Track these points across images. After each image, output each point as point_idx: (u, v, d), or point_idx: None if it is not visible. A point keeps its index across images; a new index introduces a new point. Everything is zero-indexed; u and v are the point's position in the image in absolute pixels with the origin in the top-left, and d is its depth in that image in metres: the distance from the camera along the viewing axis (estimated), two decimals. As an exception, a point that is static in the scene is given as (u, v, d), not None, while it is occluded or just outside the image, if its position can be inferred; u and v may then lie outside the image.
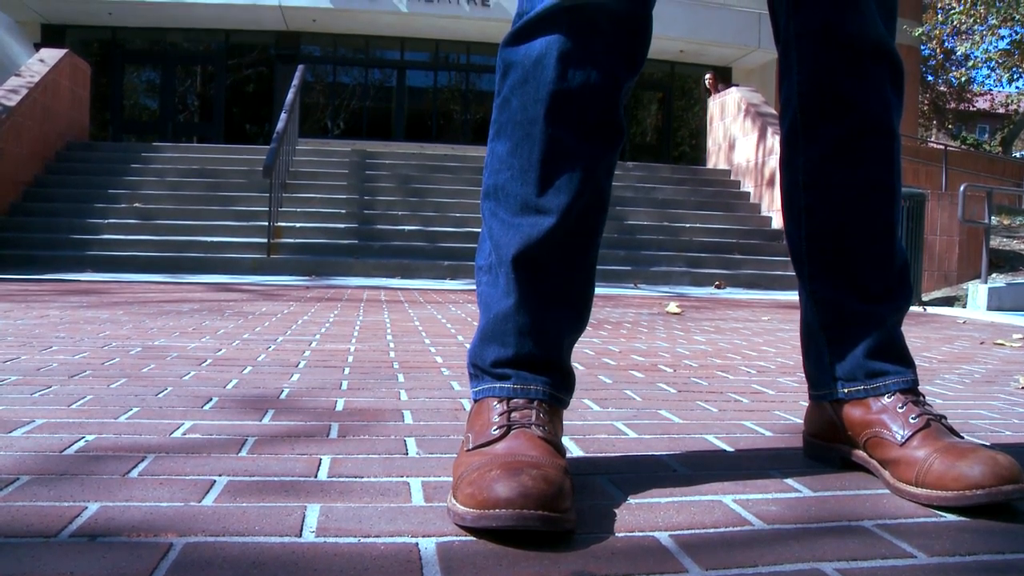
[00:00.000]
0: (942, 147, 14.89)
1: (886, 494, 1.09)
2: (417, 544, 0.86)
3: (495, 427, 0.99)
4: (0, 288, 5.17)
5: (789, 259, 8.77)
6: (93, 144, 10.83)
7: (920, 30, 16.46)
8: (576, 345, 2.87)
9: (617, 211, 9.98)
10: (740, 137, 10.91)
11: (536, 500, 0.84)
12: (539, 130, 1.05)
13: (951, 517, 1.00)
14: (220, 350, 2.45)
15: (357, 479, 1.11)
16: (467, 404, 1.69)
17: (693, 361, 2.55)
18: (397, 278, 7.98)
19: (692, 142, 18.51)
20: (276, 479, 1.10)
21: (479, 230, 8.23)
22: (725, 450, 1.34)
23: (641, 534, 0.90)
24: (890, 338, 1.19)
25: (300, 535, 0.88)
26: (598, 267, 8.53)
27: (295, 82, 10.51)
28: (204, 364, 2.15)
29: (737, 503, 1.03)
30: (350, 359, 2.34)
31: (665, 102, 18.53)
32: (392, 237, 8.98)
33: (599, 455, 1.28)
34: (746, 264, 8.96)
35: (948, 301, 7.92)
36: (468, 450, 0.99)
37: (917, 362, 2.73)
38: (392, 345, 2.72)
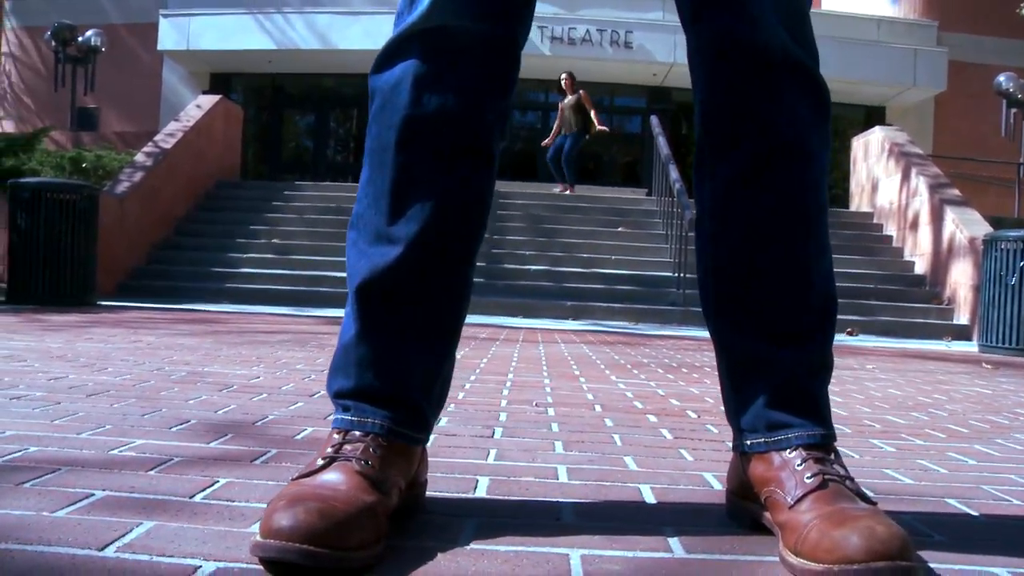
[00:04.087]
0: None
1: (767, 562, 0.99)
2: (199, 567, 0.86)
3: (320, 458, 0.98)
4: (129, 315, 5.59)
5: (931, 306, 8.25)
6: (240, 183, 11.59)
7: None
8: (621, 387, 2.79)
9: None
10: (883, 178, 10.37)
11: (303, 534, 0.82)
12: (391, 157, 1.04)
13: (817, 592, 0.89)
14: (258, 377, 2.55)
15: (228, 503, 1.11)
16: (433, 438, 1.67)
17: (731, 409, 2.42)
18: (519, 317, 8.03)
19: (845, 185, 17.76)
20: (151, 497, 1.12)
21: (607, 271, 8.18)
22: (644, 502, 1.26)
23: (431, 579, 0.86)
24: (798, 387, 1.08)
25: (102, 550, 0.89)
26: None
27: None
28: (227, 390, 2.24)
29: (582, 559, 0.95)
30: (373, 391, 2.37)
31: (814, 143, 17.87)
32: (518, 276, 9.08)
33: (497, 497, 1.23)
34: (883, 311, 8.45)
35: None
36: (291, 479, 0.98)
37: (1007, 418, 2.47)
38: (432, 379, 2.73)
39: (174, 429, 1.63)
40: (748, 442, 1.09)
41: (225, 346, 3.57)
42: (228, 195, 10.66)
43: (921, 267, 9.24)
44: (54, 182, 6.53)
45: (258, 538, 0.85)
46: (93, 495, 1.11)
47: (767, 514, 1.07)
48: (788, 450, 1.05)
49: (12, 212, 6.28)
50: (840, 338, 7.29)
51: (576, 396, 2.49)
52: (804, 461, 1.03)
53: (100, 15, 16.62)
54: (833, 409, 2.53)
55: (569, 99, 11.49)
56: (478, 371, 3.08)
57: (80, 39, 13.94)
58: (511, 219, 10.52)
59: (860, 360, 4.90)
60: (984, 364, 5.08)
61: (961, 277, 8.27)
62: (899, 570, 0.86)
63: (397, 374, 1.04)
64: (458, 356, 3.65)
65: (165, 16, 15.80)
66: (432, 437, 1.68)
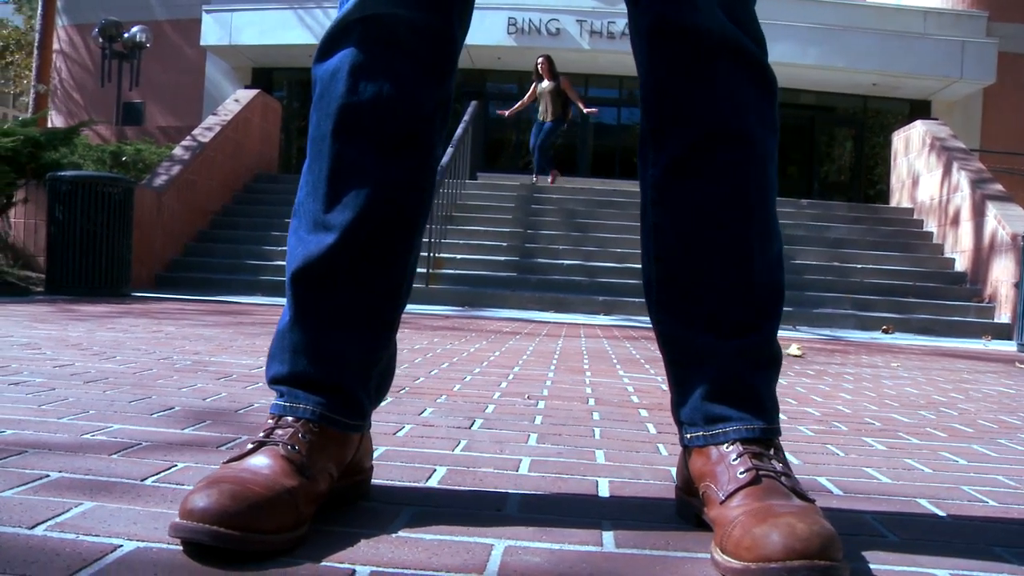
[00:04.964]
0: None
1: (698, 559, 0.97)
2: (120, 546, 0.88)
3: (251, 443, 0.99)
4: (160, 306, 5.70)
5: (971, 304, 8.07)
6: (277, 176, 11.72)
7: None
8: (625, 381, 2.77)
9: (785, 250, 9.55)
10: (924, 173, 10.15)
11: (213, 515, 0.84)
12: (328, 145, 1.04)
13: (733, 592, 0.88)
14: (261, 367, 2.58)
15: (177, 486, 1.14)
16: (409, 428, 1.68)
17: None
18: (550, 312, 8.02)
19: (888, 180, 17.48)
20: (103, 479, 1.15)
21: (640, 266, 8.26)
22: (596, 496, 1.25)
23: (341, 565, 0.87)
24: (738, 379, 1.06)
25: (32, 528, 0.92)
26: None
27: (465, 117, 10.90)
28: (225, 379, 2.28)
29: (505, 550, 0.95)
30: (370, 382, 2.39)
31: (857, 138, 17.57)
32: (551, 271, 9.07)
33: (446, 487, 1.23)
34: (921, 308, 8.29)
35: None
36: (223, 463, 0.99)
37: (1020, 419, 2.41)
38: (435, 373, 2.75)
39: (155, 415, 1.66)
40: (688, 436, 1.08)
41: (242, 336, 3.63)
42: (265, 188, 10.80)
43: (962, 264, 9.04)
44: (91, 175, 6.67)
45: (176, 519, 0.87)
46: (47, 476, 1.14)
47: (706, 509, 1.05)
48: (725, 444, 1.04)
49: (50, 204, 6.44)
50: (874, 336, 7.16)
51: (574, 390, 2.48)
52: (740, 456, 1.01)
53: (146, 11, 16.95)
54: (838, 407, 2.51)
55: (547, 84, 11.01)
56: (485, 364, 3.09)
57: (126, 35, 14.23)
58: (546, 213, 10.50)
59: (887, 358, 4.81)
60: (1017, 364, 4.96)
61: (1003, 274, 8.07)
62: (817, 569, 0.84)
63: (330, 361, 1.05)
64: (472, 349, 3.67)
65: (208, 12, 16.05)
66: (407, 427, 1.70)
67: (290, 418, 1.02)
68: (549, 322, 6.49)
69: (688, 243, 1.07)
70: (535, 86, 11.23)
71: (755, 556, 0.87)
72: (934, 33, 15.06)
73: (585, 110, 11.32)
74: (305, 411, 1.02)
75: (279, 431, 1.00)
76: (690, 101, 1.05)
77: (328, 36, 1.06)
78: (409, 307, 7.40)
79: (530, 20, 15.79)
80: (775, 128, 1.09)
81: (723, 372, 1.06)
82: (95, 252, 6.43)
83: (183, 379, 2.21)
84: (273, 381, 1.06)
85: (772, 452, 1.04)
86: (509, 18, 15.73)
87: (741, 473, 0.99)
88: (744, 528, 0.90)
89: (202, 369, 2.44)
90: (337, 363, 1.05)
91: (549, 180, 11.52)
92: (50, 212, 6.45)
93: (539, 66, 11.06)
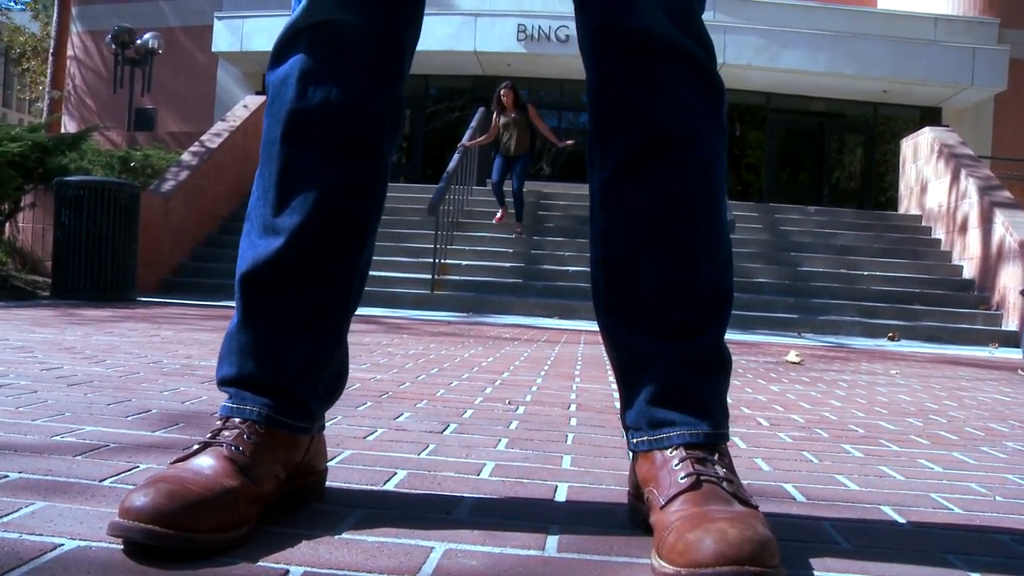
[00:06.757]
0: None
1: (638, 564, 0.97)
2: (61, 545, 0.90)
3: (197, 444, 1.01)
4: (163, 311, 5.74)
5: (979, 311, 8.00)
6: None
7: None
8: (612, 388, 2.78)
9: (791, 257, 9.55)
10: (933, 180, 10.11)
11: (148, 514, 0.85)
12: (276, 150, 1.06)
13: (664, 597, 0.89)
14: (249, 371, 2.60)
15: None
16: (381, 432, 1.70)
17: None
18: (555, 318, 8.02)
19: (898, 187, 17.39)
20: (61, 480, 1.16)
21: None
22: (552, 500, 1.26)
23: (276, 566, 0.88)
24: (683, 383, 1.06)
25: (-21, 529, 0.94)
26: (761, 314, 8.21)
27: (472, 123, 10.94)
28: (209, 383, 2.29)
29: (444, 553, 0.96)
30: (356, 386, 2.40)
31: (867, 145, 17.50)
32: (556, 277, 9.08)
33: (402, 491, 1.24)
34: (927, 315, 8.24)
35: None
36: (169, 463, 1.01)
37: (1008, 427, 2.39)
38: (422, 378, 2.76)
39: (129, 418, 1.68)
40: (634, 440, 1.09)
41: (237, 341, 3.65)
42: (273, 194, 10.84)
43: (970, 271, 8.99)
44: (98, 180, 6.73)
45: (115, 518, 0.88)
46: (6, 477, 1.16)
47: (650, 514, 1.06)
48: (669, 449, 1.04)
49: (57, 209, 6.50)
50: (879, 343, 7.13)
51: (558, 396, 2.49)
52: (682, 461, 1.02)
53: (158, 18, 17.10)
54: (825, 414, 2.51)
55: (512, 116, 9.37)
56: (475, 369, 3.10)
57: (138, 41, 14.36)
58: (551, 220, 10.51)
59: (887, 365, 4.79)
60: (1020, 371, 4.93)
61: (1011, 282, 8.02)
62: (746, 575, 0.85)
63: (277, 363, 1.06)
64: (466, 355, 3.66)
65: (220, 18, 16.17)
66: (379, 431, 1.71)
67: (236, 419, 1.03)
68: (551, 328, 6.49)
69: (633, 245, 1.08)
70: (496, 118, 9.53)
71: (687, 561, 0.87)
72: (945, 40, 14.99)
73: (560, 144, 9.68)
74: (251, 412, 1.03)
75: (225, 432, 1.01)
76: (635, 104, 1.06)
77: (279, 42, 1.08)
78: (412, 313, 7.42)
79: (539, 27, 15.81)
80: (722, 131, 1.10)
81: (667, 375, 1.06)
82: (101, 257, 6.49)
83: (167, 382, 2.23)
84: (222, 383, 1.08)
85: (716, 457, 1.04)
86: (519, 25, 15.76)
87: (682, 478, 1.00)
88: (679, 533, 0.91)
89: (189, 373, 2.46)
90: (284, 365, 1.06)
91: (498, 216, 10.07)
92: (57, 217, 6.51)
93: (502, 96, 9.36)
